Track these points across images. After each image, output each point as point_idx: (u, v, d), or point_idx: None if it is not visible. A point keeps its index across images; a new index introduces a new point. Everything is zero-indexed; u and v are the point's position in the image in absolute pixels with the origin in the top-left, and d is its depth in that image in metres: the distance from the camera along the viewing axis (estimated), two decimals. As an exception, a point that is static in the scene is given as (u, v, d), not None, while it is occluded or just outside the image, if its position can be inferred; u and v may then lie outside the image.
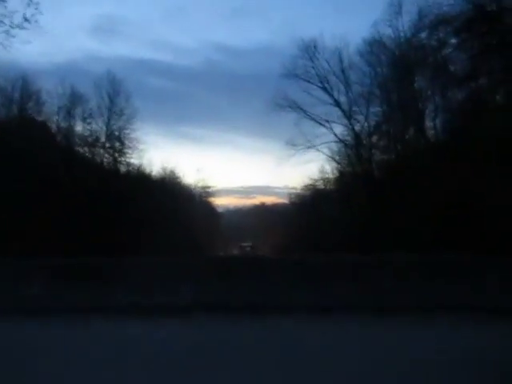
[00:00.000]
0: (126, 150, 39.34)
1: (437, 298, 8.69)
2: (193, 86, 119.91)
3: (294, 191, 61.75)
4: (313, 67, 33.13)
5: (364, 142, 33.06)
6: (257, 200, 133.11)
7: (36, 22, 17.21)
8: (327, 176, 43.32)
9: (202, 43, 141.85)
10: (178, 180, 62.35)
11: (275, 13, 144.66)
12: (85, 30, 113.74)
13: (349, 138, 34.04)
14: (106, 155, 38.60)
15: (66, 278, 9.33)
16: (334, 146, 35.52)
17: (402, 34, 29.28)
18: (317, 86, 33.17)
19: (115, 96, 37.74)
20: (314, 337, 7.14)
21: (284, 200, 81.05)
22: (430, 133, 27.36)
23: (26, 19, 17.11)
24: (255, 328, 7.79)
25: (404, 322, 7.74)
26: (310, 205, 47.73)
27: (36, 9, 17.07)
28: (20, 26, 17.18)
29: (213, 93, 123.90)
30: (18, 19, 16.94)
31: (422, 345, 6.49)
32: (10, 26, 17.05)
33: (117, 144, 38.95)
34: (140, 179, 42.92)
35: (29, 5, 17.00)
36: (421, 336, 6.97)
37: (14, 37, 17.23)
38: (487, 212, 15.85)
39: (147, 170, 47.58)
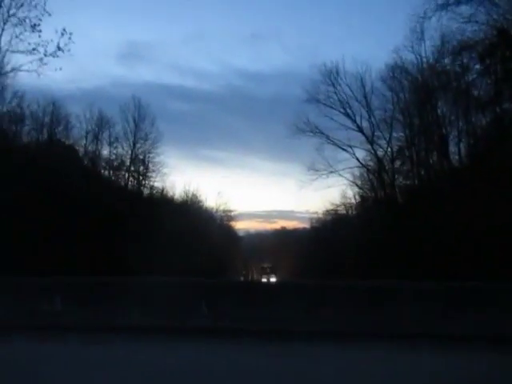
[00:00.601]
0: (149, 174, 40.24)
1: (460, 326, 8.42)
2: (215, 110, 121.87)
3: (315, 216, 61.30)
4: (335, 92, 33.31)
5: (387, 167, 32.79)
6: (278, 224, 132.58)
7: (69, 50, 18.12)
8: (349, 201, 43.02)
9: (223, 68, 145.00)
10: (200, 203, 62.92)
11: (294, 37, 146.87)
12: (111, 57, 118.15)
13: (371, 163, 33.88)
14: (131, 178, 39.51)
15: (87, 296, 9.46)
16: (357, 171, 35.37)
17: (424, 60, 29.30)
18: (339, 111, 33.26)
19: (140, 121, 38.84)
20: (329, 363, 6.99)
21: (305, 224, 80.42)
22: (454, 158, 26.99)
23: (59, 48, 18.01)
24: (270, 354, 7.68)
25: (421, 348, 7.52)
26: (331, 229, 47.33)
27: (69, 38, 17.99)
28: (53, 55, 18.09)
29: (234, 116, 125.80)
30: (51, 48, 17.86)
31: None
32: (44, 55, 17.99)
33: (141, 168, 39.87)
34: (163, 202, 43.53)
35: (62, 34, 17.93)
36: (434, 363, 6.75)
37: (46, 64, 18.14)
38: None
39: (170, 193, 48.35)
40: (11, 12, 18.20)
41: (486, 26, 20.10)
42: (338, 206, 43.80)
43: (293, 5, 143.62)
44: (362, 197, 38.93)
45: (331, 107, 33.27)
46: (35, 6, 17.76)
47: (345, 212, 44.99)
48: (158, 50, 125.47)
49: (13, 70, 19.92)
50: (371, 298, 9.32)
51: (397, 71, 31.18)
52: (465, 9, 19.82)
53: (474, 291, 8.98)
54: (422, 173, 30.09)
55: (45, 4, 17.70)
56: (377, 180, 33.36)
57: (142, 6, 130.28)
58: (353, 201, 42.34)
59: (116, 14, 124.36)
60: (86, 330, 8.55)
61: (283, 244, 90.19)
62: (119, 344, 7.95)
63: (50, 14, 18.03)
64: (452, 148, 27.22)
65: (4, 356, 6.86)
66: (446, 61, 25.80)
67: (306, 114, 33.58)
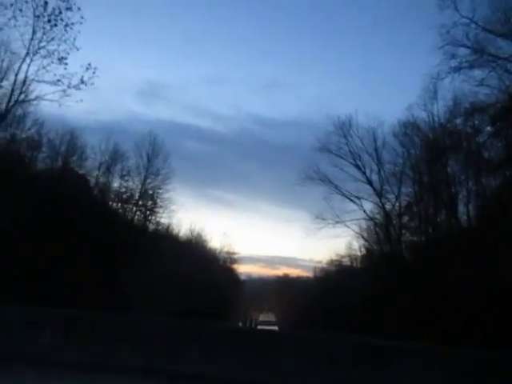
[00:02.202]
0: (157, 209, 40.39)
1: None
2: (227, 152, 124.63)
3: (319, 265, 60.67)
4: (346, 144, 33.78)
5: (394, 221, 32.59)
6: (280, 271, 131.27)
7: (92, 84, 18.90)
8: (354, 253, 42.63)
9: (238, 112, 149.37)
10: (205, 243, 62.69)
11: (308, 87, 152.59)
12: (130, 93, 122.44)
13: (379, 217, 33.75)
14: (138, 212, 39.65)
15: (79, 330, 9.24)
16: (363, 223, 35.20)
17: (436, 119, 29.76)
18: (349, 162, 33.58)
19: (154, 156, 39.48)
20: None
21: (308, 273, 79.49)
22: (463, 218, 26.78)
23: (83, 81, 18.83)
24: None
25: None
26: (334, 280, 46.57)
27: (94, 73, 18.82)
28: (76, 87, 18.86)
29: (245, 160, 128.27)
30: (75, 81, 18.65)
31: None
32: (68, 87, 18.75)
33: (149, 203, 40.08)
34: (167, 239, 43.40)
35: (87, 69, 18.79)
36: None
37: (69, 96, 18.86)
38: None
39: (175, 231, 48.38)
40: (41, 44, 19.21)
41: (498, 90, 20.54)
42: (342, 256, 43.39)
43: (311, 57, 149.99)
44: (367, 249, 38.56)
45: (342, 158, 33.70)
46: (65, 41, 18.76)
47: (349, 263, 44.44)
48: (177, 90, 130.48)
49: (36, 98, 20.73)
50: (371, 357, 8.96)
51: (409, 128, 31.75)
52: (477, 73, 20.38)
53: (478, 360, 8.59)
54: (430, 230, 29.81)
55: (74, 40, 18.69)
56: (383, 234, 33.08)
57: (164, 48, 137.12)
58: (358, 253, 41.99)
59: (139, 53, 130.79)
60: (73, 366, 8.29)
61: (285, 291, 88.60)
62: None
63: (77, 49, 19.00)
64: (461, 208, 27.12)
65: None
66: (458, 121, 26.18)
67: (317, 162, 34.02)
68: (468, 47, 20.14)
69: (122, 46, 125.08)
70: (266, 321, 72.35)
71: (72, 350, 8.78)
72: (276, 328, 59.18)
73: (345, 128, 33.72)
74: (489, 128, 23.13)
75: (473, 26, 19.38)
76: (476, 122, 24.01)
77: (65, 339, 9.01)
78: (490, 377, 8.31)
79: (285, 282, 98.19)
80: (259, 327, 59.02)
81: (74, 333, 9.17)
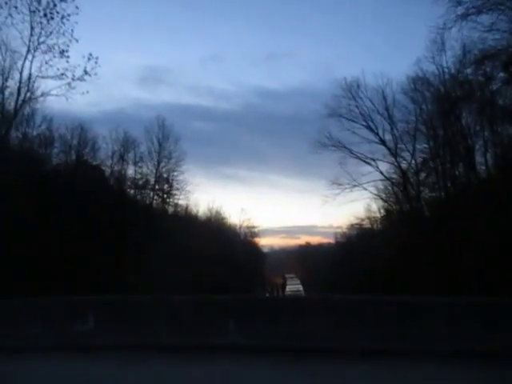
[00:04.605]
0: (173, 192, 40.89)
1: (492, 344, 8.15)
2: (234, 129, 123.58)
3: (339, 230, 60.91)
4: (356, 106, 33.21)
5: (411, 179, 32.29)
6: (302, 240, 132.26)
7: (95, 74, 18.92)
8: (374, 215, 42.60)
9: (239, 87, 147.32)
10: (224, 220, 63.41)
11: (308, 55, 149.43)
12: (131, 80, 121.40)
13: (395, 176, 33.46)
14: (155, 197, 40.18)
15: (116, 315, 9.61)
16: (380, 185, 34.96)
17: (446, 70, 28.96)
18: (361, 124, 33.12)
19: (165, 140, 39.75)
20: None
21: (329, 239, 79.96)
22: (481, 168, 26.41)
23: (86, 72, 18.84)
24: (300, 372, 7.61)
25: (455, 367, 7.31)
26: (356, 244, 46.79)
27: (96, 62, 18.81)
28: (81, 79, 18.90)
29: (254, 134, 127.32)
30: (78, 72, 18.68)
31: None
32: (72, 79, 18.80)
33: (165, 186, 40.55)
34: (187, 220, 44.01)
35: (89, 59, 18.77)
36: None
37: (74, 88, 18.93)
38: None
39: (194, 211, 48.95)
40: (41, 40, 19.16)
41: (508, 34, 19.75)
42: (362, 219, 43.42)
43: (306, 24, 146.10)
44: (387, 210, 38.48)
45: (353, 121, 33.19)
46: (63, 34, 18.68)
47: (370, 225, 44.51)
48: (177, 72, 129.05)
49: (43, 94, 20.81)
50: (398, 314, 9.13)
51: (418, 83, 30.97)
52: (485, 18, 19.51)
53: (504, 307, 8.68)
54: (449, 185, 29.52)
55: (72, 31, 18.59)
56: (402, 193, 32.88)
57: (158, 32, 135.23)
58: (378, 214, 41.95)
59: (134, 39, 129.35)
60: (116, 349, 8.67)
61: (309, 259, 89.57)
62: (151, 363, 8.05)
63: (77, 41, 18.91)
64: (478, 158, 26.69)
65: (39, 376, 7.03)
66: (469, 71, 25.39)
67: (328, 128, 33.55)
68: (474, -9, 19.34)
69: (116, 34, 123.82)
70: (291, 277, 75.25)
71: (113, 333, 9.18)
72: (300, 285, 60.41)
73: (353, 90, 33.11)
74: (501, 74, 22.45)
75: (477, -32, 18.52)
76: (487, 70, 23.25)
77: (106, 324, 9.41)
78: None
79: (306, 250, 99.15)
80: (287, 284, 60.53)
81: (114, 317, 9.57)
